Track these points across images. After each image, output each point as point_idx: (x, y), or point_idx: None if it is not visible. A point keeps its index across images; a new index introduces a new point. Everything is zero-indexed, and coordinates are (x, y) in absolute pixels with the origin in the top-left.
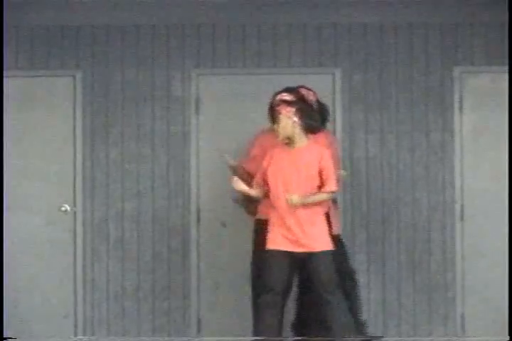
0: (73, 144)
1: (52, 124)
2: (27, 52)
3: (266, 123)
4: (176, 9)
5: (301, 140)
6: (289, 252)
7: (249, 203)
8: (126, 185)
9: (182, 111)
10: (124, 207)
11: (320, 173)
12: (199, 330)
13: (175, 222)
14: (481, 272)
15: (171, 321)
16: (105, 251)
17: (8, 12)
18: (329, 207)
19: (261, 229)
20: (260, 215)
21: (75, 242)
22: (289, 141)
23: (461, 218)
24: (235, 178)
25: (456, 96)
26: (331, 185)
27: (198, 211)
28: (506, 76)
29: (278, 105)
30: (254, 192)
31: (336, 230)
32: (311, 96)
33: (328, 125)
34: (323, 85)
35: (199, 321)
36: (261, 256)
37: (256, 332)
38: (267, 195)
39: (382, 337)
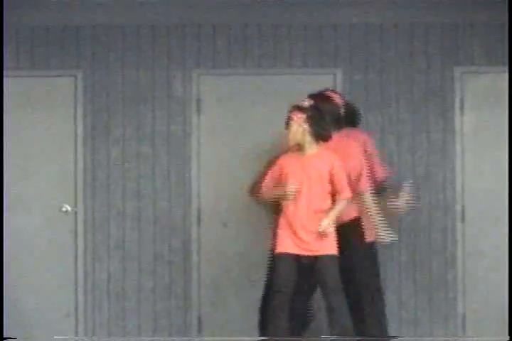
0: (74, 144)
1: (53, 124)
2: (27, 53)
3: (266, 123)
4: (177, 9)
5: (311, 147)
6: (297, 255)
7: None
8: (127, 185)
9: (183, 111)
10: (125, 207)
11: (332, 181)
12: (200, 330)
13: (176, 222)
14: (482, 272)
15: (172, 321)
16: (106, 251)
17: (9, 12)
18: (362, 213)
19: None
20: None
21: (75, 242)
22: (299, 148)
23: (462, 218)
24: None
25: (457, 97)
26: (346, 193)
27: (199, 211)
28: (507, 76)
29: (291, 111)
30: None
31: (371, 237)
32: (336, 99)
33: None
34: (323, 86)
35: (200, 321)
36: (273, 259)
37: (262, 334)
38: (277, 199)
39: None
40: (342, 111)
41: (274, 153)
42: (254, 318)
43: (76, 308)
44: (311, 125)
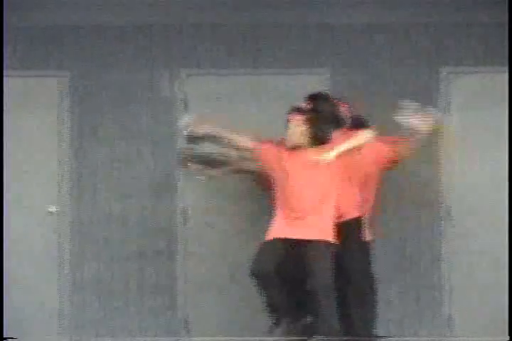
0: (61, 145)
1: (40, 125)
2: (14, 53)
3: (252, 123)
4: (163, 9)
5: (307, 145)
6: (288, 239)
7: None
8: (113, 185)
9: (169, 112)
10: (111, 208)
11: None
12: (186, 330)
13: (162, 223)
14: (469, 271)
15: (159, 321)
16: (92, 251)
17: None
18: (365, 212)
19: None
20: None
21: (61, 243)
22: (297, 148)
23: (449, 217)
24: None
25: (443, 97)
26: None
27: (185, 212)
28: (493, 76)
29: (290, 112)
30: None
31: (370, 237)
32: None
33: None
34: (310, 86)
35: (186, 321)
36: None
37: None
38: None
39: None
40: (343, 111)
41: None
42: (239, 317)
43: (62, 308)
44: (309, 127)
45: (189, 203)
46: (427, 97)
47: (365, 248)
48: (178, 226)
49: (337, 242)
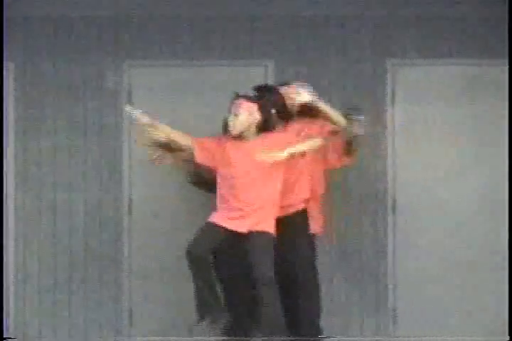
0: (5, 136)
1: None
2: None
3: (197, 115)
4: (108, 1)
5: (254, 136)
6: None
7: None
8: (58, 176)
9: (114, 103)
10: (56, 199)
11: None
12: (131, 322)
13: (107, 214)
14: (413, 265)
15: (103, 313)
16: (37, 243)
17: None
18: (311, 205)
19: None
20: None
21: (6, 234)
22: (241, 136)
23: (393, 211)
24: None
25: (388, 89)
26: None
27: (130, 202)
28: (438, 69)
29: (238, 99)
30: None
31: (316, 230)
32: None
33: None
34: (255, 77)
35: (131, 313)
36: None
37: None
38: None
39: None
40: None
41: None
42: (186, 309)
43: (7, 301)
44: (262, 115)
45: (135, 194)
46: (372, 89)
47: (309, 241)
48: (124, 216)
49: (275, 235)
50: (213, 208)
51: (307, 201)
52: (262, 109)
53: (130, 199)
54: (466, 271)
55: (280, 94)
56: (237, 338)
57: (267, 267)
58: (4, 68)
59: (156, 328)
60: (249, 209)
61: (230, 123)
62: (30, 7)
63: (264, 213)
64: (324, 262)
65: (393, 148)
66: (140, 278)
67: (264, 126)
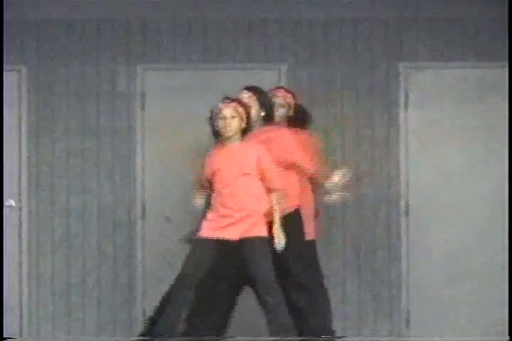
0: (18, 139)
1: None
2: None
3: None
4: (122, 4)
5: (237, 139)
6: (218, 241)
7: None
8: (71, 180)
9: (127, 106)
10: (69, 203)
11: (262, 173)
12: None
13: (120, 217)
14: (426, 268)
15: (117, 316)
16: (50, 246)
17: None
18: (300, 207)
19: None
20: None
21: (20, 237)
22: (227, 140)
23: (406, 214)
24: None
25: (401, 92)
26: (276, 184)
27: (143, 206)
28: (450, 72)
29: (231, 102)
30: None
31: (310, 235)
32: (288, 99)
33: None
34: (268, 81)
35: (144, 316)
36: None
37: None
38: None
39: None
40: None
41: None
42: None
43: (20, 303)
44: (246, 119)
45: (148, 197)
46: (384, 92)
47: (307, 242)
48: (137, 220)
49: (269, 238)
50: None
51: (297, 206)
52: (249, 111)
53: (143, 203)
54: (479, 274)
55: (269, 97)
56: (247, 338)
57: (267, 271)
58: (5, 72)
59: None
60: (238, 216)
61: (223, 125)
62: (43, 10)
63: (255, 218)
64: (338, 265)
65: (406, 150)
66: (153, 281)
67: (248, 130)
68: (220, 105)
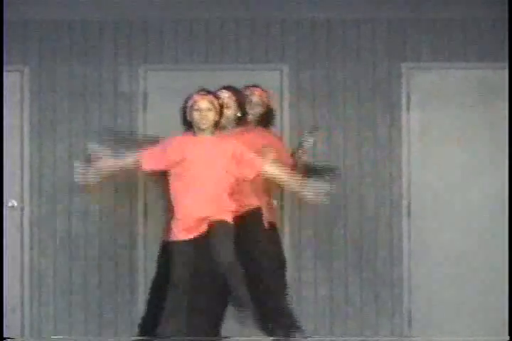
0: (20, 140)
1: None
2: None
3: None
4: (124, 5)
5: (209, 132)
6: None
7: None
8: (73, 180)
9: (129, 107)
10: (71, 203)
11: (240, 159)
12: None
13: (122, 217)
14: (428, 268)
15: (118, 316)
16: (52, 246)
17: None
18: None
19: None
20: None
21: (22, 238)
22: (198, 131)
23: (408, 214)
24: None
25: (404, 93)
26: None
27: (146, 206)
28: (453, 72)
29: (199, 94)
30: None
31: (270, 217)
32: (264, 98)
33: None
34: (270, 82)
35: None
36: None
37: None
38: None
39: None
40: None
41: None
42: None
43: (22, 304)
44: (221, 112)
45: (149, 197)
46: (387, 93)
47: (269, 237)
48: (140, 220)
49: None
50: None
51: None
52: (221, 106)
53: (145, 203)
54: (481, 274)
55: (244, 97)
56: (247, 338)
57: (228, 253)
58: (4, 72)
59: None
60: (207, 198)
61: (199, 117)
62: (46, 11)
63: (221, 204)
64: (340, 265)
65: (408, 151)
66: None
67: (219, 123)
68: (196, 96)
